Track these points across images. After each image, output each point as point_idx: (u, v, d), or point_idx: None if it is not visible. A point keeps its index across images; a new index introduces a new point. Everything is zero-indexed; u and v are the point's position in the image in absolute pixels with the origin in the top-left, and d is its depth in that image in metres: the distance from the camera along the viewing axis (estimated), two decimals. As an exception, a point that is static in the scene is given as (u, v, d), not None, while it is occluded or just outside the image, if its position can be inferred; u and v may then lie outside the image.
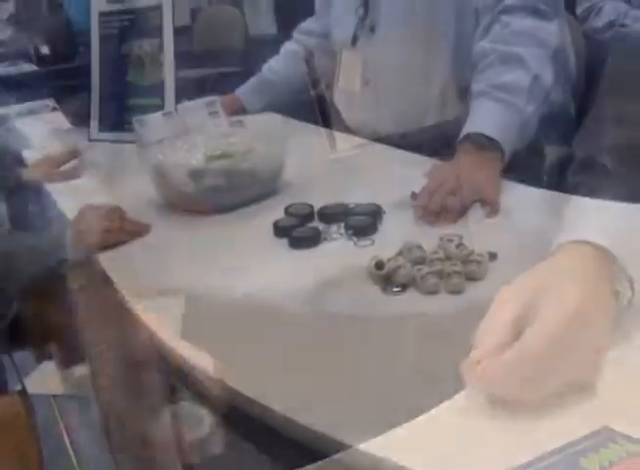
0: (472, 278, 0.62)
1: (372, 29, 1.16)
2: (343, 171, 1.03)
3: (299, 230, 0.77)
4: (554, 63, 0.93)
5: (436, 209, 0.76)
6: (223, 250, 0.77)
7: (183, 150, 0.94)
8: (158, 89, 1.28)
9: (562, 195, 0.78)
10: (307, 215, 0.82)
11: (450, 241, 0.68)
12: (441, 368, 0.48)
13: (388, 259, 0.65)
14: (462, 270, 0.62)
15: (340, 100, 1.30)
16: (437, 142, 1.02)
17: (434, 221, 0.76)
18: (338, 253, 0.73)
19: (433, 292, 0.61)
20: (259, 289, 0.65)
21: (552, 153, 1.69)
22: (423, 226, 0.77)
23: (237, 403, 0.47)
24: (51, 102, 1.82)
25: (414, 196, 0.81)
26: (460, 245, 0.66)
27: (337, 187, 0.94)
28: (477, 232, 0.73)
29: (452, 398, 0.41)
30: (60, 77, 1.90)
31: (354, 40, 1.19)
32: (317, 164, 1.08)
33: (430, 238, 0.70)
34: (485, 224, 0.76)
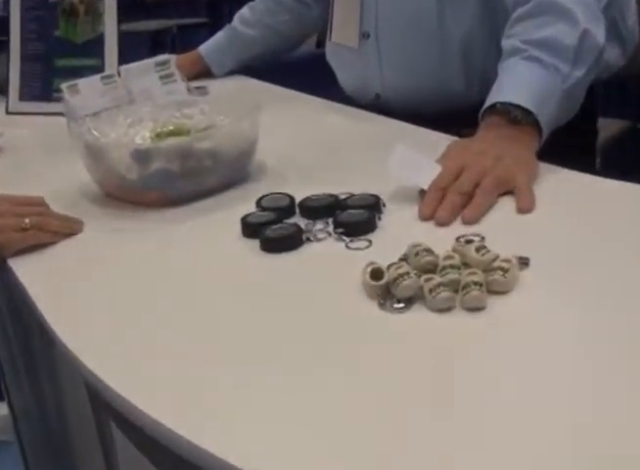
0: (496, 291, 0.61)
1: None
2: (334, 152, 1.02)
3: (275, 228, 0.75)
4: (608, 15, 0.92)
5: (448, 215, 0.75)
6: (177, 254, 0.76)
7: (126, 124, 0.93)
8: (95, 46, 1.27)
9: (618, 183, 0.79)
10: (286, 209, 0.81)
11: (469, 242, 0.67)
12: (455, 404, 0.48)
13: (389, 266, 0.63)
14: (484, 281, 0.60)
15: (333, 58, 1.29)
16: (456, 114, 1.02)
17: (445, 225, 0.75)
18: (324, 257, 0.71)
19: (445, 308, 0.59)
20: (223, 304, 0.65)
21: (607, 127, 1.69)
22: (434, 224, 0.75)
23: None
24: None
25: (420, 194, 0.79)
26: (482, 248, 0.65)
27: (324, 173, 0.93)
28: (504, 231, 0.72)
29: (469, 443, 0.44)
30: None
31: None
32: (300, 142, 1.06)
33: (442, 238, 0.69)
34: (516, 221, 0.74)
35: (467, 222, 0.75)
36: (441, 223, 0.75)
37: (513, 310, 0.60)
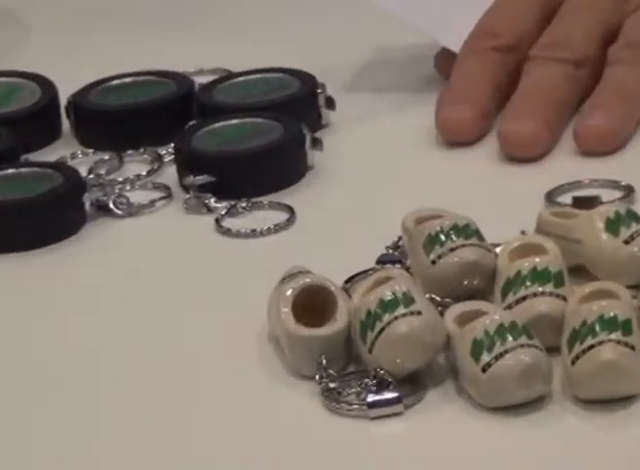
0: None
1: None
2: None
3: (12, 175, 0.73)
4: None
5: (533, 123, 0.75)
6: None
7: None
8: None
9: None
10: (21, 120, 0.81)
11: (587, 207, 0.66)
12: None
13: (350, 281, 0.62)
14: (637, 318, 0.57)
15: None
16: None
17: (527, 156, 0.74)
18: (154, 260, 0.69)
19: (524, 399, 0.56)
20: None
21: None
22: (484, 155, 0.75)
23: None
24: None
25: (440, 64, 0.81)
26: (626, 221, 0.63)
27: (156, 10, 0.95)
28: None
29: None
30: None
31: None
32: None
33: (509, 196, 0.70)
34: None
35: (592, 148, 0.72)
36: (515, 151, 0.73)
37: None
